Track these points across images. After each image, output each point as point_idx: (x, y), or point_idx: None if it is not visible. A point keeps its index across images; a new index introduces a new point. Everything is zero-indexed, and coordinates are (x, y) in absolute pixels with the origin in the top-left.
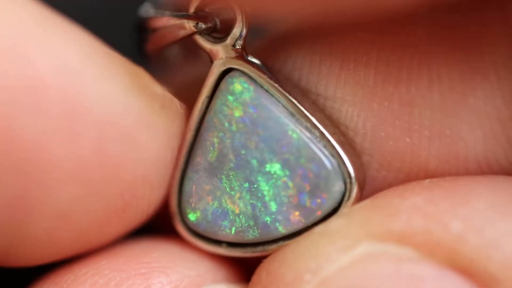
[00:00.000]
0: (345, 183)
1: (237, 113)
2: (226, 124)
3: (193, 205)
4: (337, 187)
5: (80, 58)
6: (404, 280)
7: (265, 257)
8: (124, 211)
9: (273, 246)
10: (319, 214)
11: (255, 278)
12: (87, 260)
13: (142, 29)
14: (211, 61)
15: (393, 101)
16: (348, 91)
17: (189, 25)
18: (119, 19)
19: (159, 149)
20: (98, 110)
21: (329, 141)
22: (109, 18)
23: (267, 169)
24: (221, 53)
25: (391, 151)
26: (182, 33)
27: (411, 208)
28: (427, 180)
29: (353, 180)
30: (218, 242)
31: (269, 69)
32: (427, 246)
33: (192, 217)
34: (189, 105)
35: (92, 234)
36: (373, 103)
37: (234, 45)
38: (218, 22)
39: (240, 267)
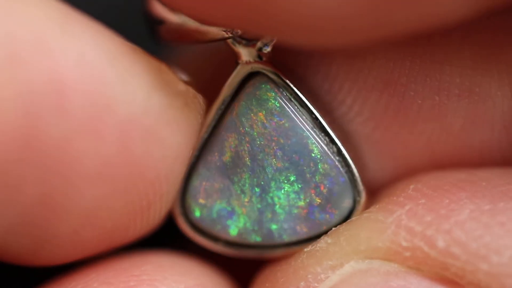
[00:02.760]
0: (354, 201)
1: (260, 119)
2: (247, 128)
3: (199, 200)
4: (346, 203)
5: (102, 56)
6: None
7: (257, 260)
8: (148, 209)
9: (270, 251)
10: (325, 228)
11: None
12: (76, 273)
13: (155, 20)
14: (236, 62)
15: (425, 59)
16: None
17: (221, 31)
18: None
19: (181, 146)
20: (122, 108)
21: (345, 158)
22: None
23: (282, 178)
24: (249, 56)
25: (417, 110)
26: (214, 36)
27: (395, 224)
28: (412, 186)
29: (362, 199)
30: (216, 239)
31: (293, 74)
32: (414, 261)
33: (196, 212)
34: (208, 97)
35: (117, 233)
36: (406, 61)
37: (262, 50)
38: None
39: (232, 281)
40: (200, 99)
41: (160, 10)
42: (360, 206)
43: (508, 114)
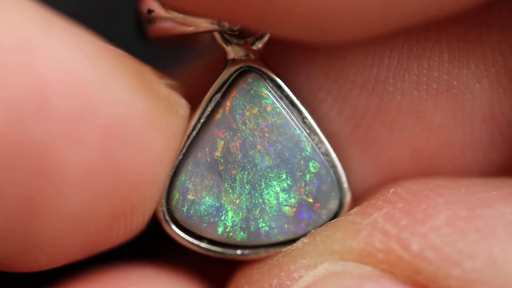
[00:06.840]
0: (340, 202)
1: (253, 115)
2: (240, 124)
3: (188, 196)
4: (333, 204)
5: (85, 60)
6: None
7: (240, 261)
8: (132, 213)
9: (252, 252)
10: (311, 228)
11: None
12: (64, 285)
13: (144, 18)
14: (226, 59)
15: (403, 53)
16: None
17: (209, 23)
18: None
19: (165, 150)
20: (105, 112)
21: (332, 158)
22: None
23: (272, 176)
24: (240, 53)
25: (397, 107)
26: (199, 27)
27: (371, 226)
28: (391, 190)
29: (348, 200)
30: (200, 238)
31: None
32: (388, 264)
33: (184, 208)
34: (195, 98)
35: (101, 237)
36: (384, 56)
37: (254, 47)
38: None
39: None
40: (183, 102)
41: (152, 7)
42: (346, 207)
43: (487, 107)
